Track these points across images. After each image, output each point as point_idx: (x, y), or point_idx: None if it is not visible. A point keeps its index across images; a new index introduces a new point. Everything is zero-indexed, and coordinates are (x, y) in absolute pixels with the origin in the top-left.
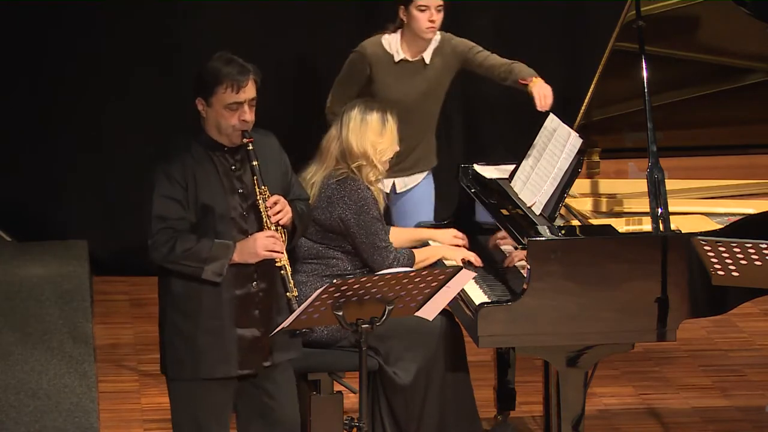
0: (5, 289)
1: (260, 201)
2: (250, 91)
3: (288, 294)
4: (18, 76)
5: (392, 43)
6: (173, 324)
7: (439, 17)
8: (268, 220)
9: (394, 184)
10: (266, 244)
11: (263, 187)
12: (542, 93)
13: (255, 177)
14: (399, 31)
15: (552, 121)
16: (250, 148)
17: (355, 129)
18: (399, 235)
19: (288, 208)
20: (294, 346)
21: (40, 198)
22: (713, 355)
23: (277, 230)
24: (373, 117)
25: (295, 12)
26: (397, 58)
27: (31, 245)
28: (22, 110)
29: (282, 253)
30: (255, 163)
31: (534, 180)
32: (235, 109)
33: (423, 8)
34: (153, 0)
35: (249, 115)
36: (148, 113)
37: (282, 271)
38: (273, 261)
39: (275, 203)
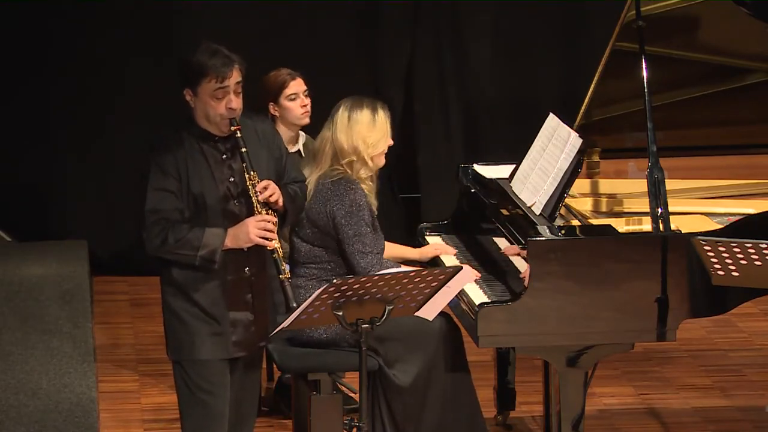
0: (5, 289)
1: (250, 186)
2: (235, 78)
3: (281, 276)
4: (18, 77)
5: None
6: (171, 309)
7: (308, 101)
8: (258, 205)
9: None
10: (258, 228)
11: (252, 173)
12: None
13: (244, 164)
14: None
15: (552, 120)
16: (239, 135)
17: (344, 126)
18: (390, 251)
19: (279, 192)
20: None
21: (40, 198)
22: (713, 355)
23: (267, 214)
24: (363, 112)
25: (295, 12)
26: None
27: (31, 245)
28: (22, 110)
29: (274, 236)
30: (244, 149)
31: (534, 180)
32: (221, 96)
33: (293, 97)
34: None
35: (236, 103)
36: (148, 114)
37: (274, 255)
38: (265, 246)
39: (265, 188)
